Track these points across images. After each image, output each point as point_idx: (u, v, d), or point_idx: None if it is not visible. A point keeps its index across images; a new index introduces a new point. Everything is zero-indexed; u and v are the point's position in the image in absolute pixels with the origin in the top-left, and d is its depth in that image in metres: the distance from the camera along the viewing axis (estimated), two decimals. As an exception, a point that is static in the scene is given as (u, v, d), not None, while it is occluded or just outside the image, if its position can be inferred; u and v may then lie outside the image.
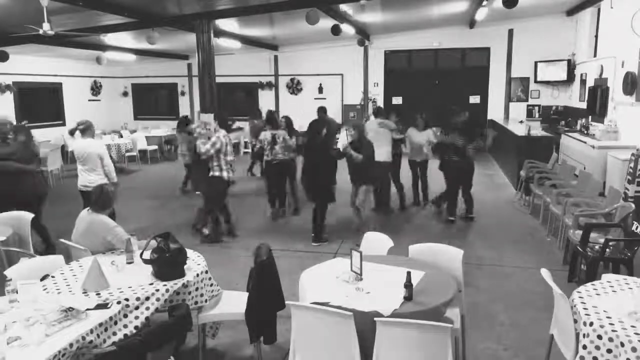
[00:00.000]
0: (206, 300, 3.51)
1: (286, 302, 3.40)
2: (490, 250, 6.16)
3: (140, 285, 3.25)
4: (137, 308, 3.08)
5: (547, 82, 13.66)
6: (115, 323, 2.91)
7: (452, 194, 7.36)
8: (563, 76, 13.14)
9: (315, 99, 15.44)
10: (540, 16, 13.07)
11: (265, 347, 3.64)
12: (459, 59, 14.78)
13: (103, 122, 15.46)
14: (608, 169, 7.96)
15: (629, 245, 4.48)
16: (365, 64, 15.16)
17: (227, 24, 11.21)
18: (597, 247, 4.65)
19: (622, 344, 2.52)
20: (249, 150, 14.44)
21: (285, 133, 7.62)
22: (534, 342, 3.89)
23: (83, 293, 3.10)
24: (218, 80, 9.76)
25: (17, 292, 2.98)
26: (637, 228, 4.37)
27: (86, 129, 5.98)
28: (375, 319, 2.67)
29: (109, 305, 2.94)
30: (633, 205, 5.02)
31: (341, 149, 6.25)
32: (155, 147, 13.91)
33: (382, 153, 7.23)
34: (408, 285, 2.92)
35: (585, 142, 9.05)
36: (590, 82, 11.20)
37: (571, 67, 12.98)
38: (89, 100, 16.23)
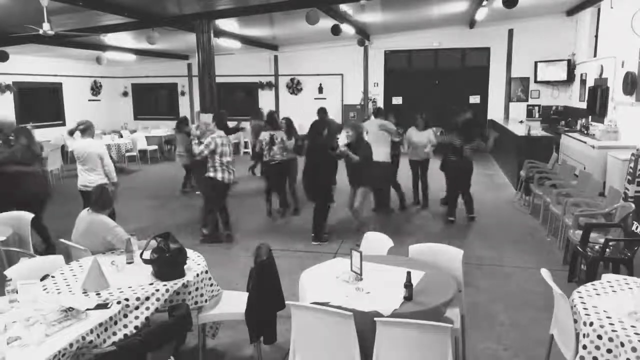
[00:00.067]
0: (206, 300, 3.51)
1: (286, 302, 3.40)
2: (490, 250, 6.16)
3: (140, 285, 3.25)
4: (137, 308, 3.08)
5: (547, 82, 13.66)
6: (115, 323, 2.91)
7: (451, 194, 7.36)
8: (563, 76, 13.14)
9: (315, 99, 15.44)
10: (540, 16, 13.07)
11: (265, 347, 3.64)
12: (459, 59, 14.78)
13: (103, 122, 15.46)
14: (608, 169, 7.96)
15: (629, 245, 4.48)
16: (365, 64, 15.17)
17: (227, 24, 11.21)
18: (597, 247, 4.65)
19: (622, 344, 2.52)
20: (249, 150, 14.49)
21: (283, 134, 7.65)
22: (534, 342, 3.89)
23: (83, 293, 3.10)
24: (218, 80, 9.77)
25: (17, 292, 2.98)
26: (637, 228, 4.37)
27: (86, 129, 5.98)
28: (375, 319, 2.67)
29: (109, 305, 2.94)
30: (633, 205, 5.02)
31: (338, 151, 6.25)
32: (155, 147, 13.92)
33: (381, 153, 7.23)
34: (408, 285, 2.92)
35: (585, 142, 9.04)
36: (590, 82, 11.20)
37: (571, 67, 12.98)
38: (89, 100, 16.23)
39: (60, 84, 14.82)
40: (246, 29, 12.37)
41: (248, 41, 13.54)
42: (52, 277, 3.42)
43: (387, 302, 2.86)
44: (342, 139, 6.61)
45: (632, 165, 6.25)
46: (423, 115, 7.92)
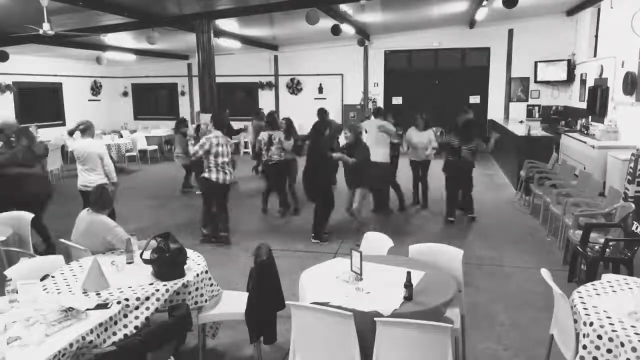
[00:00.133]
0: (206, 300, 3.51)
1: (286, 302, 3.40)
2: (490, 250, 6.16)
3: (140, 285, 3.25)
4: (137, 308, 3.08)
5: (547, 82, 13.66)
6: (115, 323, 2.91)
7: (450, 194, 7.35)
8: (563, 76, 13.14)
9: (315, 99, 15.44)
10: (540, 16, 13.07)
11: (265, 347, 3.64)
12: (459, 59, 14.78)
13: (103, 122, 15.46)
14: (608, 169, 7.96)
15: (629, 245, 4.48)
16: (365, 64, 15.17)
17: (227, 24, 11.20)
18: (597, 247, 4.65)
19: (622, 344, 2.52)
20: (249, 150, 14.50)
21: (281, 134, 7.67)
22: (534, 342, 3.89)
23: (83, 293, 3.10)
24: (218, 80, 9.77)
25: (17, 292, 2.98)
26: (637, 228, 4.37)
27: (86, 129, 5.98)
28: (375, 319, 2.67)
29: (109, 305, 2.94)
30: (633, 205, 5.02)
31: (336, 155, 6.23)
32: (155, 147, 13.92)
33: (380, 154, 7.23)
34: (408, 285, 2.92)
35: (585, 142, 9.05)
36: (590, 82, 11.20)
37: (571, 67, 12.98)
38: (89, 100, 16.23)
39: (60, 84, 14.82)
40: (246, 29, 12.37)
41: (248, 41, 13.54)
42: (52, 277, 3.42)
43: (387, 302, 2.86)
44: (342, 139, 6.62)
45: (632, 165, 6.25)
46: (423, 115, 7.89)
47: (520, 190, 8.53)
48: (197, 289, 3.44)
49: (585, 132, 10.23)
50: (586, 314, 2.76)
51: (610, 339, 2.57)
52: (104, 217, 4.07)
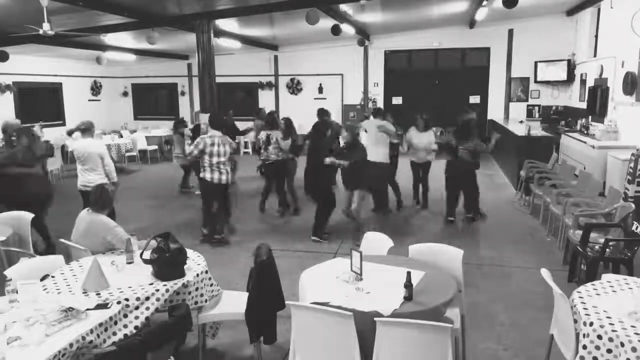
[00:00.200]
0: (206, 300, 3.51)
1: (286, 302, 3.40)
2: (490, 250, 6.16)
3: (140, 285, 3.25)
4: (137, 308, 3.08)
5: (547, 82, 13.65)
6: (115, 323, 2.91)
7: (449, 194, 7.34)
8: (563, 76, 13.14)
9: (315, 99, 15.44)
10: (540, 16, 13.07)
11: (265, 347, 3.64)
12: (459, 59, 14.77)
13: (103, 122, 15.45)
14: (608, 169, 7.96)
15: (629, 245, 4.48)
16: (365, 64, 15.16)
17: (227, 24, 11.20)
18: (597, 247, 4.65)
19: (622, 344, 2.52)
20: (249, 150, 14.50)
21: (279, 134, 7.69)
22: (534, 342, 3.89)
23: (83, 293, 3.10)
24: (218, 80, 9.76)
25: (17, 292, 2.98)
26: (637, 228, 4.37)
27: (86, 129, 5.99)
28: (375, 319, 2.67)
29: (109, 305, 2.94)
30: (633, 205, 5.02)
31: (327, 161, 6.22)
32: (155, 147, 13.92)
33: (380, 154, 7.22)
34: (408, 285, 2.92)
35: (585, 142, 9.04)
36: (590, 82, 11.20)
37: (571, 67, 12.98)
38: (89, 100, 16.22)
39: (60, 84, 14.82)
40: (246, 29, 12.36)
41: (248, 41, 13.54)
42: (52, 277, 3.42)
43: (387, 302, 2.86)
44: (342, 140, 6.62)
45: (632, 165, 6.25)
46: (423, 115, 7.85)
47: (520, 190, 8.53)
48: (197, 289, 3.44)
49: (585, 132, 10.23)
50: (586, 314, 2.76)
51: (610, 339, 2.57)
52: (104, 217, 4.07)
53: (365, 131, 7.52)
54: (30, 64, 13.47)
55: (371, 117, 8.68)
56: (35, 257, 4.20)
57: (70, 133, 6.21)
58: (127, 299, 3.07)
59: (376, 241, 3.94)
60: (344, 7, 9.97)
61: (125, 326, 2.98)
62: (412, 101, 14.49)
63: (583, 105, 11.55)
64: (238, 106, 15.70)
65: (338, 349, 2.81)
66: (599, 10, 11.23)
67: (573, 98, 12.89)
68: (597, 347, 2.61)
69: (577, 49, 12.75)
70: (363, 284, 3.14)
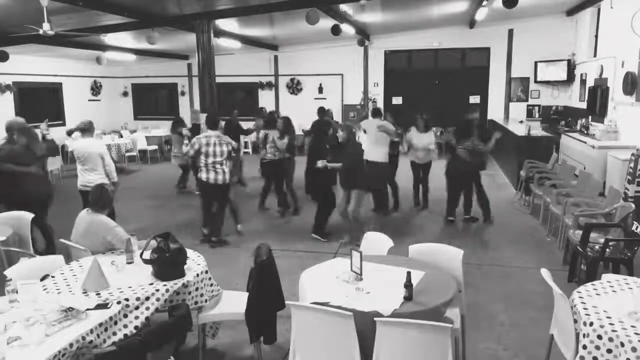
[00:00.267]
0: (206, 300, 3.51)
1: (286, 302, 3.40)
2: (490, 250, 6.16)
3: (140, 285, 3.25)
4: (137, 308, 3.08)
5: (547, 82, 13.65)
6: (115, 323, 2.91)
7: (450, 194, 7.33)
8: (563, 76, 13.14)
9: (315, 99, 15.43)
10: (540, 16, 13.07)
11: (265, 347, 3.64)
12: (459, 59, 14.77)
13: (103, 122, 15.44)
14: (608, 169, 7.96)
15: (629, 245, 4.48)
16: (365, 64, 15.16)
17: (227, 24, 11.20)
18: (597, 247, 4.65)
19: (622, 344, 2.52)
20: (249, 150, 14.50)
21: (277, 133, 7.71)
22: (534, 342, 3.89)
23: (83, 293, 3.10)
24: (218, 80, 9.77)
25: (17, 292, 2.98)
26: (637, 228, 4.37)
27: (86, 129, 5.99)
28: (375, 319, 2.67)
29: (109, 305, 2.94)
30: (633, 205, 5.02)
31: (319, 164, 6.22)
32: (155, 147, 13.93)
33: (380, 154, 7.22)
34: (408, 285, 2.92)
35: (585, 142, 9.04)
36: (590, 82, 11.20)
37: (571, 67, 12.98)
38: (89, 100, 16.22)
39: (60, 84, 14.81)
40: (246, 29, 12.36)
41: (248, 41, 13.53)
42: (52, 277, 3.42)
43: (387, 302, 2.86)
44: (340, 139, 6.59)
45: (632, 165, 6.25)
46: (424, 115, 7.84)
47: (520, 190, 8.53)
48: (197, 289, 3.44)
49: (585, 132, 10.23)
50: (586, 314, 2.76)
51: (610, 339, 2.57)
52: (103, 217, 4.07)
53: (365, 131, 7.51)
54: (30, 64, 13.46)
55: (370, 117, 8.68)
56: (35, 257, 4.20)
57: (70, 133, 6.20)
58: (127, 299, 3.07)
59: (376, 241, 3.94)
60: (344, 7, 9.97)
61: (125, 326, 2.98)
62: (412, 101, 14.49)
63: (583, 105, 11.55)
64: (238, 106, 15.70)
65: (338, 349, 2.81)
66: (599, 10, 11.23)
67: (573, 98, 12.89)
68: (597, 347, 2.61)
69: (577, 49, 12.75)
70: (363, 284, 3.14)
